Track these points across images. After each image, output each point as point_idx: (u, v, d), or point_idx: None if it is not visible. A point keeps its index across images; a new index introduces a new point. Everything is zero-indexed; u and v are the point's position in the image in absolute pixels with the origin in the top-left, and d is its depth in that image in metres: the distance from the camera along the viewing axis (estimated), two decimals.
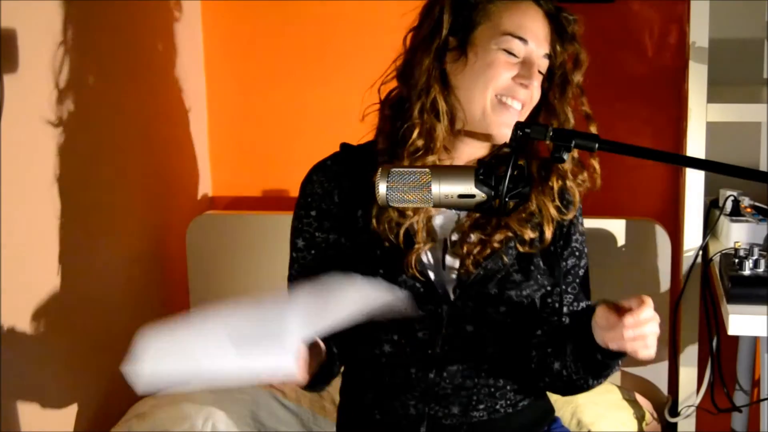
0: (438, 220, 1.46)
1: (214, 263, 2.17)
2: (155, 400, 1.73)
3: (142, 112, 2.01)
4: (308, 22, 2.24)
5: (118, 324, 1.91)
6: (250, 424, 1.66)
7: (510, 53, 1.40)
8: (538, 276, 1.47)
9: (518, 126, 1.20)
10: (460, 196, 1.22)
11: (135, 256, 2.01)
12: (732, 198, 1.86)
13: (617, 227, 1.98)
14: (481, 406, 1.46)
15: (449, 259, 1.45)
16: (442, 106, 1.41)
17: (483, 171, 1.21)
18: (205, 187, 2.33)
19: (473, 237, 1.43)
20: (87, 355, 1.82)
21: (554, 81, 1.46)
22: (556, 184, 1.46)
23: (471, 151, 1.45)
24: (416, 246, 1.41)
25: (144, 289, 2.06)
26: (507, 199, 1.19)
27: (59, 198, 1.72)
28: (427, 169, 1.22)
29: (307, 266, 1.50)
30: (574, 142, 1.18)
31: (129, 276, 1.98)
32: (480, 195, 1.21)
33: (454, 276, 1.44)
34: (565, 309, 1.49)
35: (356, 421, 1.54)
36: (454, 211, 1.45)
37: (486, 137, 1.43)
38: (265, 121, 2.29)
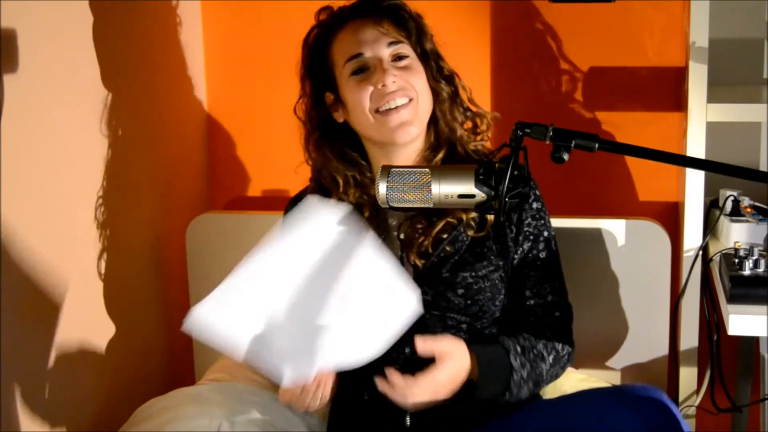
0: (392, 222, 1.58)
1: (214, 263, 2.17)
2: (164, 401, 1.72)
3: (141, 111, 2.01)
4: (308, 22, 2.23)
5: (119, 324, 1.92)
6: (260, 426, 1.66)
7: (358, 72, 1.53)
8: (492, 257, 1.55)
9: (518, 126, 1.20)
10: (460, 196, 1.22)
11: (135, 256, 2.01)
12: (732, 198, 1.86)
13: (617, 227, 1.98)
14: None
15: (407, 256, 1.54)
16: (340, 170, 1.58)
17: (483, 171, 1.21)
18: (205, 187, 2.33)
19: (418, 230, 1.54)
20: (88, 355, 1.82)
21: (420, 57, 1.57)
22: None
23: (404, 160, 1.57)
24: None
25: (144, 289, 2.06)
26: (507, 199, 1.19)
27: (59, 198, 1.72)
28: (427, 170, 1.22)
29: None
30: (574, 142, 1.18)
31: (129, 276, 1.98)
32: (480, 195, 1.21)
33: (412, 269, 1.54)
34: (528, 293, 1.57)
35: (347, 405, 1.59)
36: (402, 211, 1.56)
37: (394, 145, 1.55)
38: (265, 121, 2.29)
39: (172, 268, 2.17)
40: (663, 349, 1.99)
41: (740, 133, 2.09)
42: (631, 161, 2.14)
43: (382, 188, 1.22)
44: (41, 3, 1.63)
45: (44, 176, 1.67)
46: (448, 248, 1.53)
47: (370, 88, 1.51)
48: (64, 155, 1.72)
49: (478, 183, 1.21)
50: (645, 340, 1.99)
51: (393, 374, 1.39)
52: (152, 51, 2.07)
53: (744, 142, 2.10)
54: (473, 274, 1.52)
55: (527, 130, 1.19)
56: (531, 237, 1.57)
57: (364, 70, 1.53)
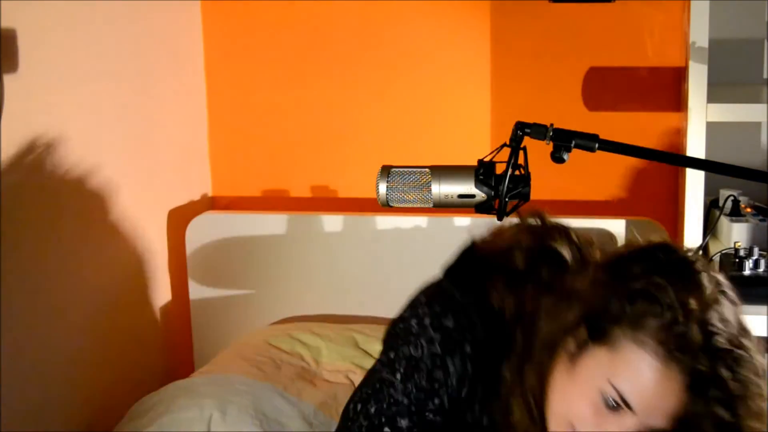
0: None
1: (214, 263, 2.17)
2: (158, 396, 1.73)
3: (141, 111, 2.01)
4: (308, 22, 2.24)
5: (119, 323, 1.92)
6: (253, 416, 1.67)
7: (600, 403, 1.06)
8: None
9: (518, 126, 1.20)
10: (460, 196, 1.21)
11: (135, 256, 2.01)
12: (732, 198, 1.86)
13: (617, 227, 1.97)
14: None
15: None
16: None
17: (483, 171, 1.21)
18: (205, 187, 2.33)
19: None
20: (87, 354, 1.82)
21: None
22: None
23: None
24: None
25: (144, 288, 2.06)
26: (507, 200, 1.19)
27: (59, 198, 1.72)
28: (427, 169, 1.22)
29: None
30: (574, 142, 1.18)
31: (129, 276, 1.98)
32: (480, 195, 1.21)
33: None
34: None
35: None
36: None
37: None
38: (265, 121, 2.29)
39: (172, 268, 2.17)
40: None
41: (740, 133, 2.09)
42: (631, 161, 2.13)
43: (381, 188, 1.22)
44: (41, 3, 1.63)
45: (44, 176, 1.67)
46: None
47: (590, 418, 1.06)
48: (63, 155, 1.72)
49: (478, 183, 1.20)
50: None
51: None
52: (153, 51, 2.07)
53: (744, 142, 2.10)
54: None
55: (527, 130, 1.19)
56: None
57: (604, 406, 1.06)
